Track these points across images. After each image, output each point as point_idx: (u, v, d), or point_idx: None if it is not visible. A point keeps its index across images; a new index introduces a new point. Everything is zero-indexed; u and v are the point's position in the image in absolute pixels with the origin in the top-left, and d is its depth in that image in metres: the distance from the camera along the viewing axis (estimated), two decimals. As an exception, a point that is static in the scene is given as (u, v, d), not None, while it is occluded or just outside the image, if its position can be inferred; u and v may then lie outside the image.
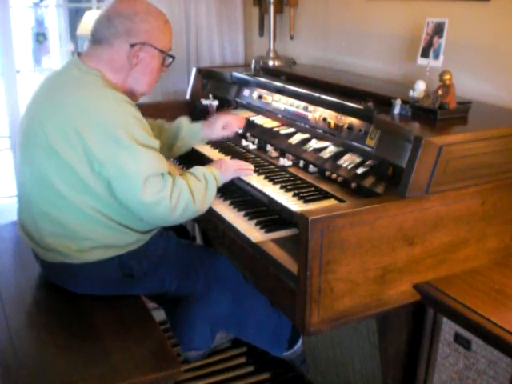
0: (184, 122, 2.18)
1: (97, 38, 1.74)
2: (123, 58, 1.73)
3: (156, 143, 1.68)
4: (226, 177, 1.86)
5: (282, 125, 2.24)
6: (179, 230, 2.07)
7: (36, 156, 1.67)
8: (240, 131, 2.32)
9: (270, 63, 2.81)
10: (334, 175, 1.81)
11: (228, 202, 1.89)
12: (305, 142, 2.05)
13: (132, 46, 1.72)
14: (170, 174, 1.68)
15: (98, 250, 1.71)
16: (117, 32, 1.71)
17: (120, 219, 1.71)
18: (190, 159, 2.24)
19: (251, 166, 1.95)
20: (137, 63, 1.75)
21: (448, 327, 1.51)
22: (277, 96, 2.34)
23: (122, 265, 1.76)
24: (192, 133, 2.16)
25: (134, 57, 1.73)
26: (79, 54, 1.78)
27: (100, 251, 1.72)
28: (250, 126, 2.37)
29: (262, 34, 3.22)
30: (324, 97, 2.05)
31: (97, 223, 1.68)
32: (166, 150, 2.09)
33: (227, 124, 2.20)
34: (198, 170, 1.80)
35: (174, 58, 1.85)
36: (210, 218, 1.84)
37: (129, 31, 1.71)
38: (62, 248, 1.71)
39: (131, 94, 1.78)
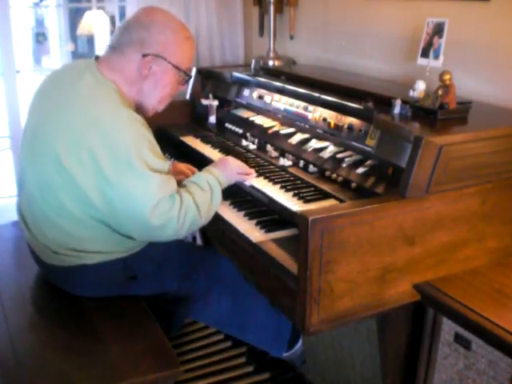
0: None
1: (112, 45, 1.70)
2: (134, 68, 1.67)
3: (166, 165, 1.63)
4: (229, 180, 1.82)
5: (282, 125, 2.24)
6: None
7: (42, 165, 1.64)
8: None
9: (270, 63, 2.81)
10: (334, 175, 1.81)
11: (228, 202, 1.89)
12: (305, 142, 2.05)
13: (144, 56, 1.66)
14: (176, 192, 1.63)
15: (100, 254, 1.71)
16: (130, 40, 1.66)
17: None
18: (191, 159, 2.23)
19: (253, 171, 1.91)
20: (147, 75, 1.69)
21: (448, 327, 1.51)
22: (277, 96, 2.34)
23: (126, 267, 1.76)
24: None
25: (145, 68, 1.67)
26: (97, 58, 1.72)
27: (103, 255, 1.71)
28: (250, 125, 2.37)
29: (262, 34, 3.22)
30: (324, 97, 2.04)
31: (99, 232, 1.66)
32: None
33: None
34: (202, 177, 1.74)
35: (190, 76, 1.81)
36: (209, 218, 1.84)
37: (142, 41, 1.66)
38: (63, 250, 1.70)
39: (142, 108, 1.74)
